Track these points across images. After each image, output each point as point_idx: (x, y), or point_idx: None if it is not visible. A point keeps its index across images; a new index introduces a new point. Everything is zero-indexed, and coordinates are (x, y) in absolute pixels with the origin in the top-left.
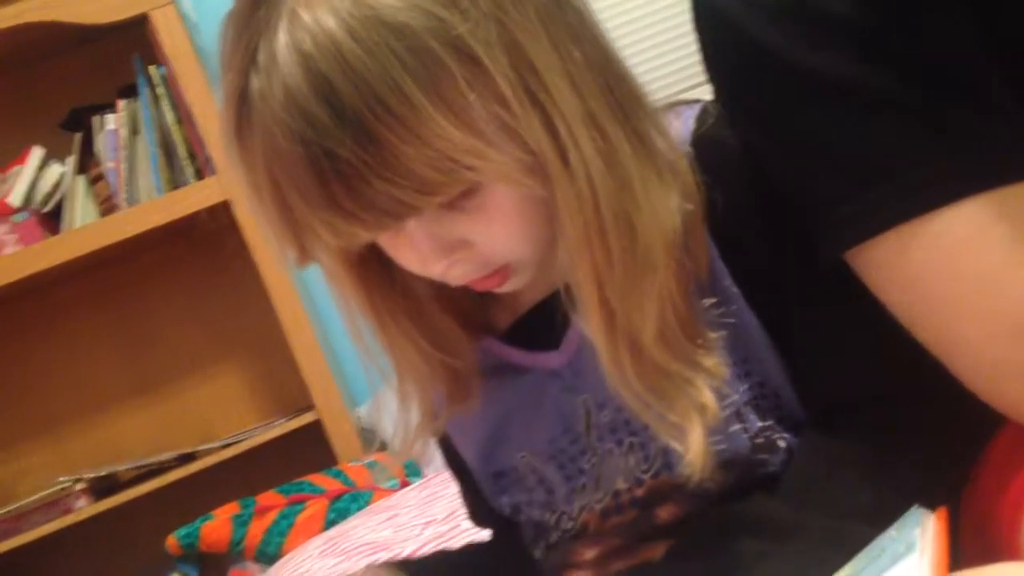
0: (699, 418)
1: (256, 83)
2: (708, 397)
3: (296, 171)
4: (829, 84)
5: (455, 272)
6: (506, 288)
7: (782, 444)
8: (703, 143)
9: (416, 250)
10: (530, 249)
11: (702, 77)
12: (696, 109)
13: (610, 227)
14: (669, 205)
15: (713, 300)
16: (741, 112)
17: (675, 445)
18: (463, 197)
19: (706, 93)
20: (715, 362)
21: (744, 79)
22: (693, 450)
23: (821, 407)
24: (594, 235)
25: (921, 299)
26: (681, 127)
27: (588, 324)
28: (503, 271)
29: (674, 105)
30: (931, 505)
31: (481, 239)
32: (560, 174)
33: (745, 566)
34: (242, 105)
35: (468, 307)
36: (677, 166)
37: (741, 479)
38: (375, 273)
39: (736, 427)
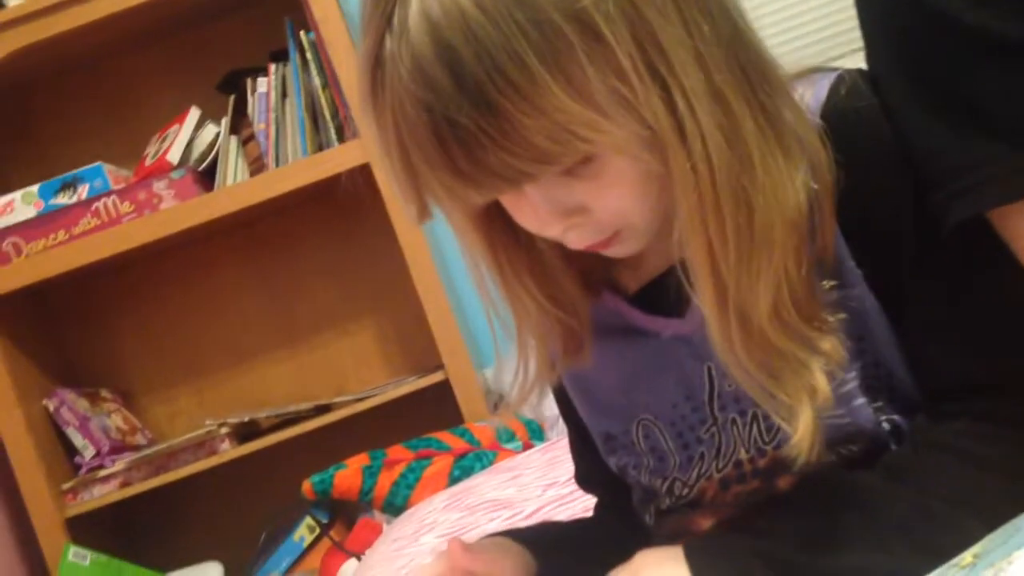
0: (809, 400)
1: (389, 47)
2: (821, 380)
3: (419, 134)
4: (993, 42)
5: (572, 236)
6: (616, 251)
7: (886, 425)
8: (835, 114)
9: (534, 213)
10: (644, 218)
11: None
12: (831, 78)
13: (726, 204)
14: (793, 183)
15: (835, 282)
16: (893, 69)
17: (783, 425)
18: (581, 164)
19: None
20: (833, 345)
21: (903, 37)
22: (800, 432)
23: (932, 392)
24: (709, 211)
25: None
26: (813, 97)
27: (701, 298)
28: (614, 235)
29: (809, 72)
30: None
31: (598, 206)
32: (676, 149)
33: (834, 533)
34: (376, 68)
35: (591, 265)
36: (807, 141)
37: (866, 454)
38: (501, 229)
39: (859, 401)
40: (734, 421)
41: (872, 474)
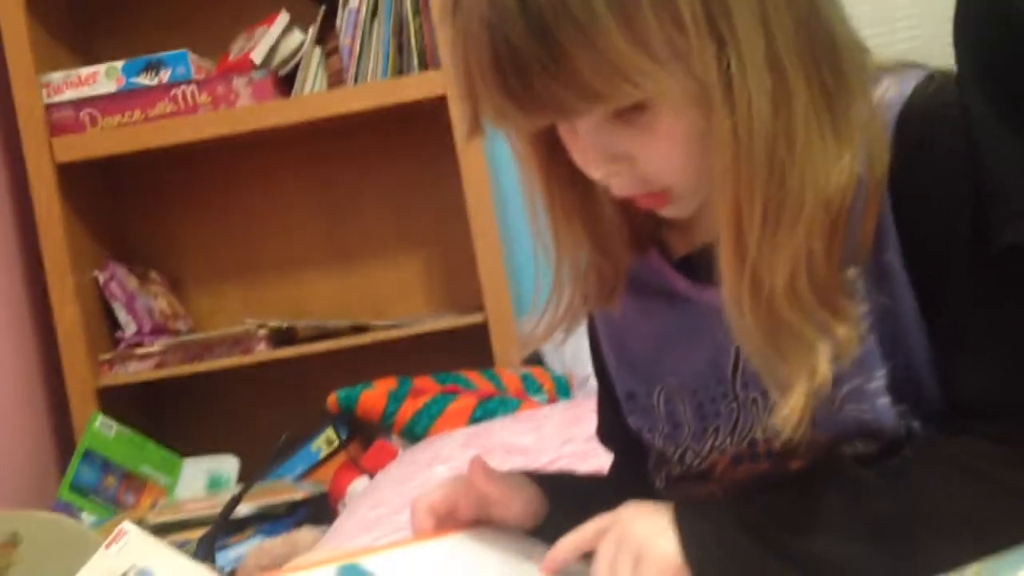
0: (807, 380)
1: None
2: (823, 363)
3: (479, 52)
4: None
5: (615, 181)
6: (667, 212)
7: (904, 430)
8: (915, 111)
9: (582, 151)
10: (691, 179)
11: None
12: (921, 76)
13: (759, 170)
14: (837, 164)
15: (863, 271)
16: (982, 76)
17: (775, 396)
18: (634, 111)
19: None
20: (846, 333)
21: (997, 45)
22: (790, 407)
23: (952, 404)
24: (743, 173)
25: None
26: (898, 90)
27: (721, 258)
28: (663, 194)
29: (901, 67)
30: None
31: (644, 156)
32: (720, 107)
33: (814, 516)
34: None
35: (644, 221)
36: (870, 127)
37: (883, 452)
38: (561, 165)
39: (884, 400)
40: (755, 401)
41: (872, 471)
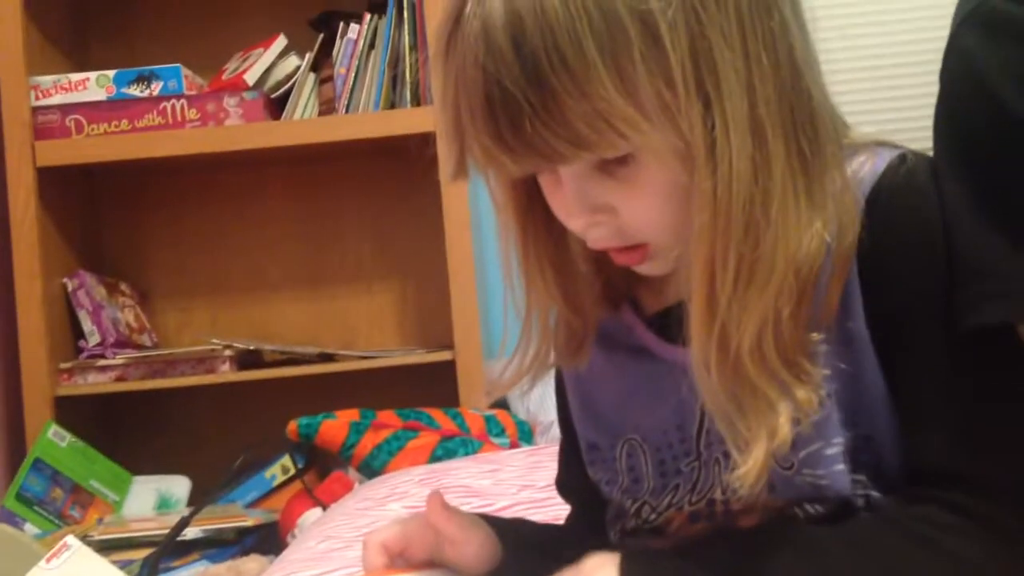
0: (767, 439)
1: (469, 8)
2: (784, 424)
3: (473, 94)
4: None
5: (593, 233)
6: (644, 268)
7: (861, 501)
8: (886, 190)
9: (563, 200)
10: (669, 234)
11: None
12: (895, 154)
13: (735, 230)
14: (809, 231)
15: (827, 337)
16: (961, 162)
17: (735, 455)
18: (618, 163)
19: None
20: (807, 395)
21: (979, 137)
22: (749, 466)
23: (913, 472)
24: (719, 233)
25: None
26: (871, 166)
27: (691, 314)
28: (642, 249)
29: (879, 144)
30: None
31: (625, 209)
32: (703, 166)
33: (762, 571)
34: (454, 26)
35: (616, 275)
36: (842, 198)
37: (833, 515)
38: (538, 214)
39: (840, 467)
40: (718, 461)
41: (826, 531)
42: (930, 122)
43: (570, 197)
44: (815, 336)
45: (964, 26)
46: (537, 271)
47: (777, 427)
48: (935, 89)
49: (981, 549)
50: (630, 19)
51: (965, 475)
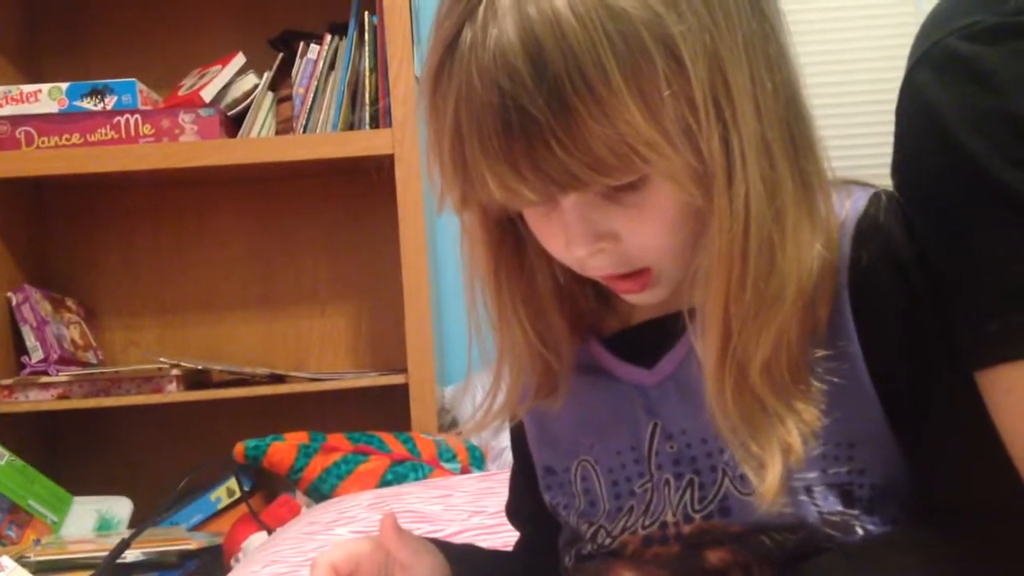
0: (782, 456)
1: (469, 34)
2: (796, 439)
3: (485, 118)
4: (1013, 200)
5: (595, 261)
6: (643, 297)
7: (860, 531)
8: (868, 224)
9: (565, 230)
10: (672, 259)
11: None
12: (869, 192)
13: (753, 251)
14: (811, 249)
15: (826, 353)
16: (921, 203)
17: (751, 475)
18: (626, 189)
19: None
20: (812, 413)
21: (934, 172)
22: (768, 483)
23: (929, 501)
24: (736, 254)
25: None
26: (851, 204)
27: (704, 342)
28: (644, 276)
29: (849, 183)
30: None
31: (630, 235)
32: (723, 189)
33: None
34: (449, 52)
35: (584, 310)
36: (829, 222)
37: (803, 545)
38: (508, 251)
39: (804, 498)
40: (667, 482)
41: (831, 558)
42: (887, 160)
43: (574, 226)
44: (817, 352)
45: (919, 66)
46: (510, 307)
47: (791, 443)
48: (891, 128)
49: (1006, 567)
50: (654, 43)
51: (984, 506)
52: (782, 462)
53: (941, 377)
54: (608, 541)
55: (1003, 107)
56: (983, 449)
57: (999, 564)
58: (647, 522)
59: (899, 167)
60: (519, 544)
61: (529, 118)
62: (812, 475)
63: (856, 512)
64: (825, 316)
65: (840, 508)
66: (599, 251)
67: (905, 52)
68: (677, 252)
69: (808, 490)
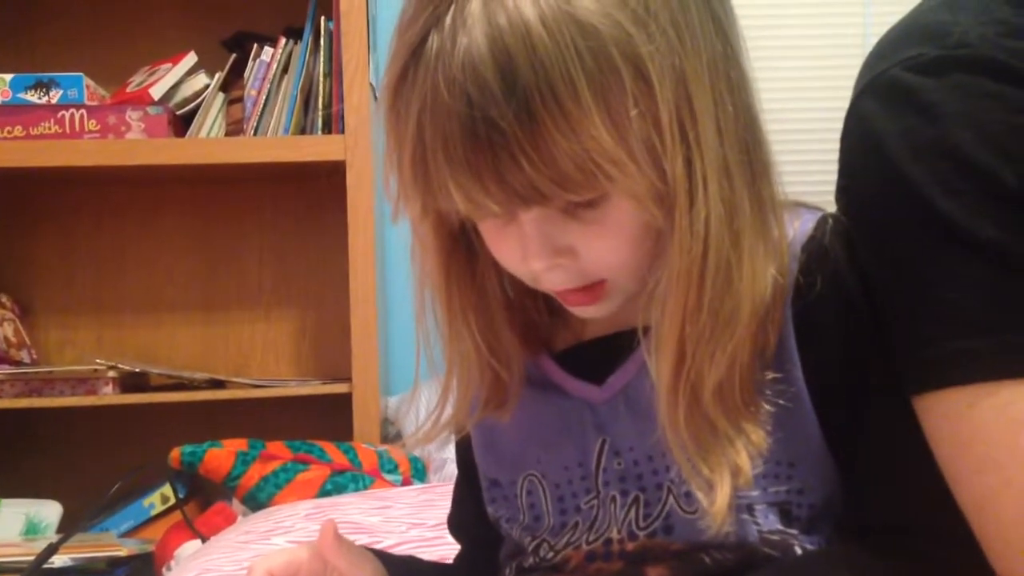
0: (731, 478)
1: (435, 42)
2: (744, 461)
3: (450, 128)
4: (951, 230)
5: (552, 276)
6: (593, 311)
7: (798, 550)
8: (814, 247)
9: (523, 243)
10: (628, 274)
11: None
12: (817, 216)
13: (711, 273)
14: (766, 272)
15: (775, 376)
16: (862, 229)
17: (700, 496)
18: (586, 206)
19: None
20: (759, 435)
21: (876, 200)
22: (717, 505)
23: (863, 522)
24: (695, 275)
25: (971, 461)
26: (799, 226)
27: (658, 362)
28: (598, 289)
29: (798, 205)
30: None
31: (588, 251)
32: (684, 210)
33: None
34: (414, 59)
35: (534, 323)
36: (780, 244)
37: (741, 564)
38: (460, 261)
39: (745, 517)
40: (614, 499)
41: (766, 573)
42: (832, 186)
43: (532, 240)
44: (768, 375)
45: (864, 95)
46: (461, 321)
47: (740, 465)
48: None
49: None
50: (622, 60)
51: (919, 526)
52: (731, 483)
53: (878, 400)
54: (551, 555)
55: (943, 138)
56: (918, 472)
57: None
58: (591, 538)
59: (843, 192)
60: (460, 557)
61: (496, 130)
62: (754, 494)
63: (795, 532)
64: (775, 339)
65: (780, 527)
66: (556, 266)
67: (853, 80)
68: (634, 268)
69: (750, 508)
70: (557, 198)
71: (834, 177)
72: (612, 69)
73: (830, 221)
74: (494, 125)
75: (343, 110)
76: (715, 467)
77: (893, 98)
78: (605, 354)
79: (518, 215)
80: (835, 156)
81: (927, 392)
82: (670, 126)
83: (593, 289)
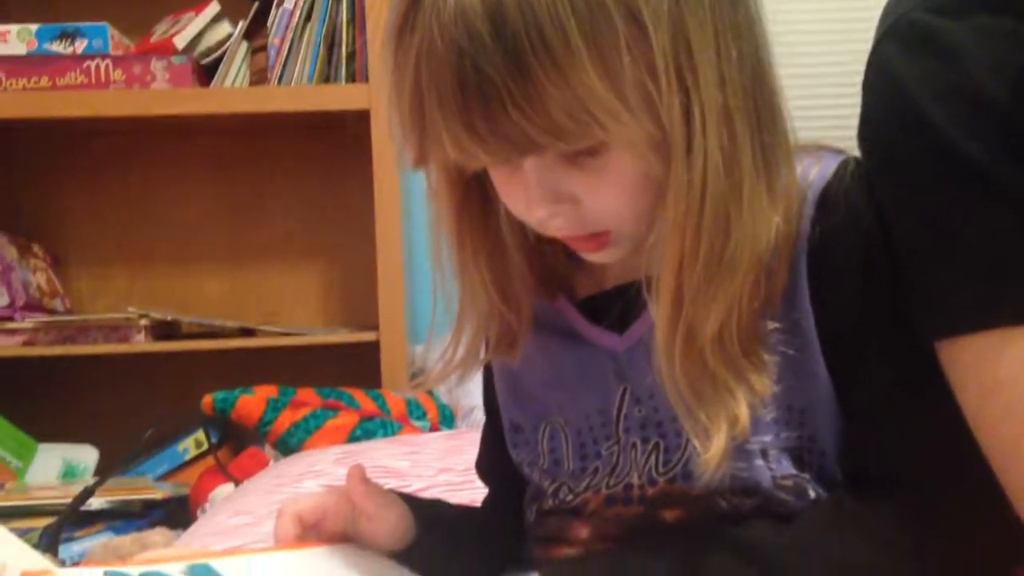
0: (727, 427)
1: None
2: (743, 411)
3: (443, 78)
4: (975, 173)
5: (554, 223)
6: (600, 256)
7: (812, 494)
8: (835, 190)
9: (525, 191)
10: (632, 223)
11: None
12: (838, 159)
13: (707, 222)
14: (769, 221)
15: (778, 326)
16: (885, 174)
17: (696, 443)
18: (587, 153)
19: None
20: (763, 383)
21: (898, 144)
22: (711, 453)
23: (860, 473)
24: (690, 224)
25: (997, 409)
26: (819, 170)
27: (656, 309)
28: (602, 237)
29: (820, 148)
30: None
31: (589, 199)
32: (680, 158)
33: None
34: (413, 6)
35: (552, 265)
36: (790, 192)
37: (758, 509)
38: (474, 205)
39: (760, 462)
40: (635, 446)
41: (770, 531)
42: (854, 131)
43: (533, 188)
44: (770, 324)
45: (885, 39)
46: (472, 263)
47: (737, 415)
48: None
49: (922, 545)
50: (615, 7)
51: (914, 478)
52: (727, 432)
53: (888, 351)
54: (570, 498)
55: (966, 81)
56: (920, 426)
57: (930, 536)
58: (612, 482)
59: (864, 137)
60: (487, 500)
61: (486, 79)
62: (767, 439)
63: (807, 476)
64: (780, 288)
65: (793, 471)
66: (558, 213)
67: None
68: (637, 218)
69: (764, 453)
70: (551, 147)
71: (851, 123)
72: (604, 14)
73: (851, 164)
74: (483, 74)
75: (367, 58)
76: (712, 415)
77: (914, 41)
78: (626, 302)
79: (521, 163)
80: (852, 102)
81: (952, 337)
82: (666, 72)
83: (597, 238)
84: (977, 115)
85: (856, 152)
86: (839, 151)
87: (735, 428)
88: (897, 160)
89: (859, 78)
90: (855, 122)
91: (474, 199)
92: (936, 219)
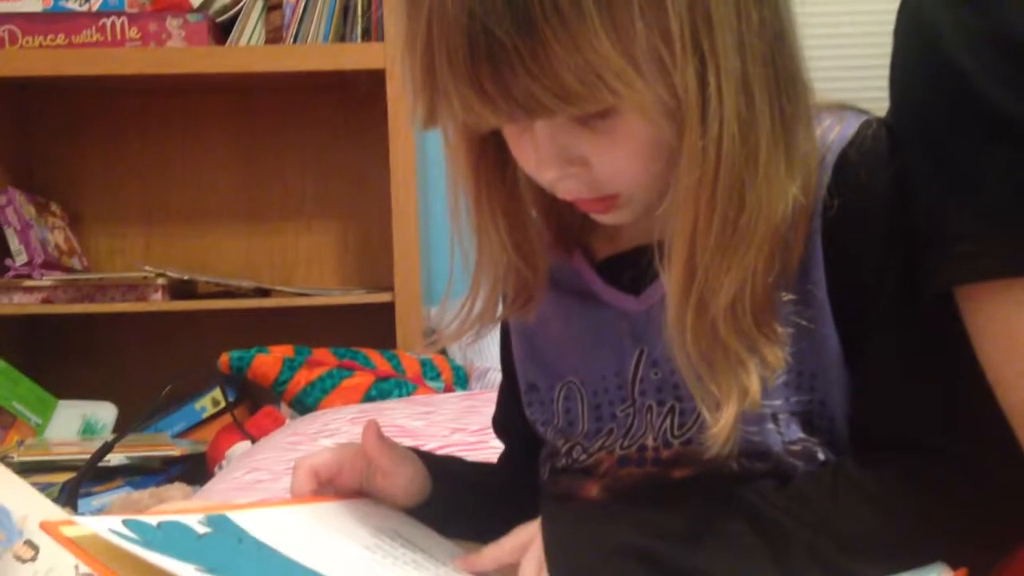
0: (738, 399)
1: None
2: (754, 383)
3: (453, 38)
4: (1004, 121)
5: (565, 185)
6: (609, 218)
7: (821, 457)
8: (854, 153)
9: (536, 152)
10: (643, 187)
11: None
12: (861, 119)
13: (721, 191)
14: (786, 192)
15: (793, 297)
16: (910, 124)
17: (706, 414)
18: (598, 116)
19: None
20: (775, 355)
21: (926, 92)
22: (721, 425)
23: (868, 439)
24: (704, 193)
25: (1020, 363)
26: (840, 131)
27: (668, 277)
28: (611, 199)
29: (843, 108)
30: (953, 566)
31: (600, 162)
32: (695, 125)
33: (714, 538)
34: None
35: (569, 223)
36: (809, 159)
37: (769, 473)
38: (491, 161)
39: (770, 426)
40: (650, 408)
41: (775, 492)
42: (885, 91)
43: (543, 150)
44: (784, 296)
45: None
46: (489, 220)
47: (748, 387)
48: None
49: (935, 507)
50: None
51: (919, 442)
52: (737, 404)
53: (900, 318)
54: (583, 457)
55: (997, 27)
56: (933, 390)
57: (930, 501)
58: (626, 444)
59: (891, 84)
60: (503, 457)
61: (496, 42)
62: (778, 403)
63: (817, 440)
64: (796, 259)
65: (802, 435)
66: (569, 175)
67: None
68: (648, 183)
69: (774, 417)
70: (560, 111)
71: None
72: None
73: (875, 124)
74: (493, 36)
75: (382, 17)
76: (723, 386)
77: None
78: (643, 264)
79: (531, 124)
80: (878, 63)
81: (975, 284)
82: (681, 38)
83: (605, 200)
84: (1005, 61)
85: (880, 113)
86: (862, 111)
87: (745, 400)
88: (920, 103)
89: (886, 39)
90: (878, 83)
91: (491, 154)
92: (957, 166)
